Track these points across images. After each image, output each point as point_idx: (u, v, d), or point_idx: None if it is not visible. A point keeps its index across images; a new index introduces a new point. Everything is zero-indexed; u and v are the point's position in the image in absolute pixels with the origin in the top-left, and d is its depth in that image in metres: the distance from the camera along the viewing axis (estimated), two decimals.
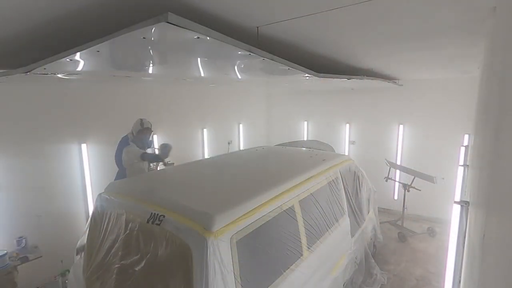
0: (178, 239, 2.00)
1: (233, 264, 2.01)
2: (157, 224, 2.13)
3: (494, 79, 1.33)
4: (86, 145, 4.52)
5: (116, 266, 2.47)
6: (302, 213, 2.82)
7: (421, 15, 1.83)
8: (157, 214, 2.18)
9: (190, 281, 1.89)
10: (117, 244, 2.43)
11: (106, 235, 2.55)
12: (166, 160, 4.08)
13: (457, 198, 2.48)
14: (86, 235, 2.80)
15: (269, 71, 3.06)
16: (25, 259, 3.57)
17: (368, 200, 4.48)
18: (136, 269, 2.33)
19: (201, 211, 2.10)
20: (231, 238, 2.05)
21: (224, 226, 2.03)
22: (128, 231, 2.37)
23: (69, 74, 2.81)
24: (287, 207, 2.65)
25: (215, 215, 2.04)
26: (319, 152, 4.43)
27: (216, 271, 1.88)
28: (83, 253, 2.80)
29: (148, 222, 2.19)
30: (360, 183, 4.27)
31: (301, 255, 2.65)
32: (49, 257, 3.80)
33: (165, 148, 4.18)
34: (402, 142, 6.55)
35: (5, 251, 3.45)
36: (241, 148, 7.55)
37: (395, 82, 5.94)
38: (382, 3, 1.58)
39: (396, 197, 6.71)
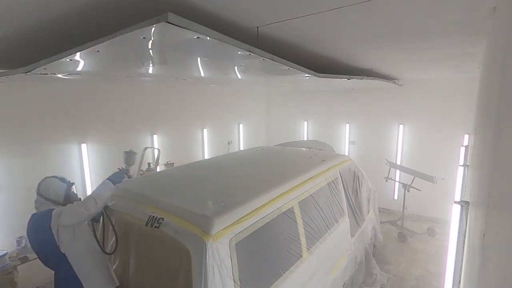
0: (177, 242, 1.99)
1: (232, 267, 2.00)
2: (156, 227, 2.13)
3: (494, 79, 1.33)
4: (86, 145, 4.52)
5: (115, 268, 2.47)
6: (302, 214, 2.82)
7: (421, 15, 1.83)
8: (156, 217, 2.17)
9: (189, 284, 1.88)
10: (116, 246, 2.43)
11: (105, 237, 2.55)
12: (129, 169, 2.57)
13: (457, 198, 2.48)
14: None
15: (269, 71, 3.06)
16: (25, 259, 3.57)
17: (368, 200, 4.48)
18: (135, 271, 2.33)
19: (200, 214, 2.09)
20: (230, 241, 2.04)
21: (223, 229, 2.03)
22: (127, 234, 2.37)
23: (69, 74, 2.81)
24: (286, 209, 2.65)
25: (214, 217, 2.03)
26: (319, 153, 4.42)
27: (215, 274, 1.87)
28: None
29: (147, 225, 2.18)
30: (360, 183, 4.27)
31: (301, 256, 2.65)
32: None
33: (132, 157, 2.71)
34: (402, 142, 6.55)
35: (5, 251, 3.45)
36: (241, 148, 7.55)
37: (395, 82, 5.93)
38: (382, 3, 1.58)
39: (396, 197, 6.71)
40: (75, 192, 2.40)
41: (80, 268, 2.11)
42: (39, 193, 2.20)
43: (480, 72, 3.59)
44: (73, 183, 2.39)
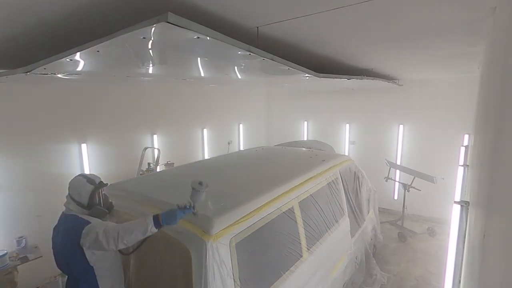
0: (177, 242, 1.99)
1: (232, 267, 2.01)
2: None
3: (494, 79, 1.33)
4: (86, 145, 4.52)
5: None
6: (302, 214, 2.82)
7: (421, 15, 1.83)
8: None
9: (189, 284, 1.88)
10: None
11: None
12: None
13: (457, 198, 2.48)
14: None
15: (269, 71, 3.06)
16: (25, 259, 3.57)
17: (368, 200, 4.48)
18: (135, 271, 2.33)
19: (200, 214, 2.09)
20: (230, 241, 2.04)
21: (223, 229, 2.03)
22: None
23: (69, 74, 2.81)
24: (286, 209, 2.65)
25: (214, 218, 2.03)
26: (319, 153, 4.42)
27: (216, 274, 1.88)
28: None
29: None
30: (360, 183, 4.27)
31: (301, 256, 2.65)
32: (49, 257, 3.76)
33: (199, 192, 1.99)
34: (402, 142, 6.55)
35: (5, 251, 3.45)
36: (241, 148, 7.55)
37: (395, 82, 5.94)
38: (382, 3, 1.58)
39: (396, 197, 6.71)
40: (107, 194, 2.26)
41: (105, 282, 2.01)
42: (69, 190, 2.08)
43: (480, 72, 3.59)
44: (105, 185, 2.15)
